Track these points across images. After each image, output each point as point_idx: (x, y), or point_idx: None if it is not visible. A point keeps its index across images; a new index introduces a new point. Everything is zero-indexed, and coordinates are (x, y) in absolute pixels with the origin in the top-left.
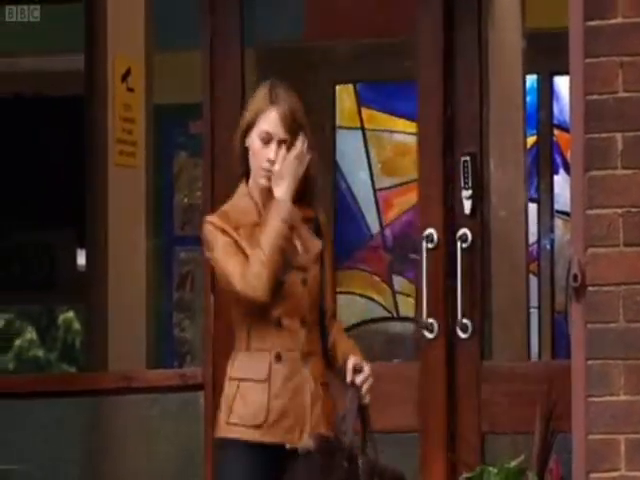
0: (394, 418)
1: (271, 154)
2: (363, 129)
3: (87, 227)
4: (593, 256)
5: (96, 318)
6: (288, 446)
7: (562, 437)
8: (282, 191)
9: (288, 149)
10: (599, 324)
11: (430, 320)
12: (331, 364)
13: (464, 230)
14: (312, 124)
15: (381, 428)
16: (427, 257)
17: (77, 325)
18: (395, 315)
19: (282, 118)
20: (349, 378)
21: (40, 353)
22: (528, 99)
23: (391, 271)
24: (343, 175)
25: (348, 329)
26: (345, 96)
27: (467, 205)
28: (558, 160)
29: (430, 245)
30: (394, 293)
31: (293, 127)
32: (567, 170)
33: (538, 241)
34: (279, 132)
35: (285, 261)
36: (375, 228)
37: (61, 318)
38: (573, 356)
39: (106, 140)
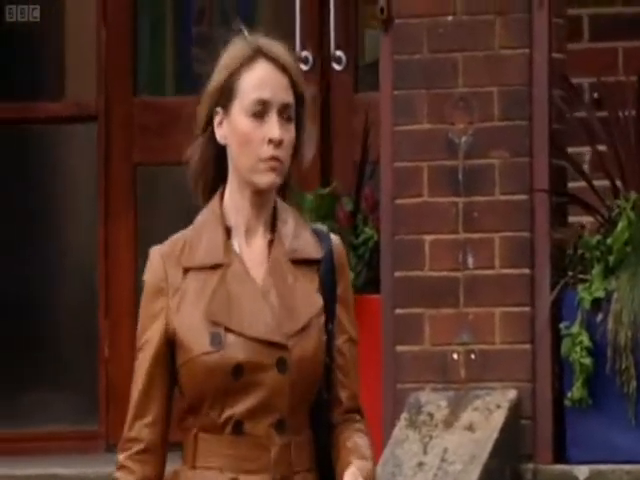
0: None
1: (274, 131)
2: None
3: None
4: None
5: None
6: None
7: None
8: None
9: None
10: (405, 55)
11: (305, 53)
12: None
13: None
14: None
15: None
16: None
17: None
18: None
19: (280, 70)
20: None
21: None
22: None
23: None
24: None
25: None
26: None
27: None
28: None
29: None
30: None
31: (297, 89)
32: None
33: None
34: (279, 95)
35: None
36: None
37: None
38: (381, 86)
39: None
